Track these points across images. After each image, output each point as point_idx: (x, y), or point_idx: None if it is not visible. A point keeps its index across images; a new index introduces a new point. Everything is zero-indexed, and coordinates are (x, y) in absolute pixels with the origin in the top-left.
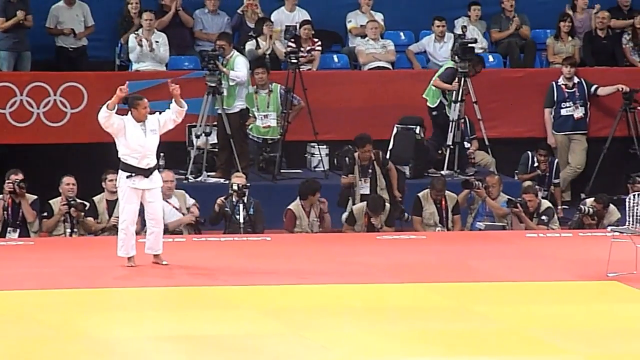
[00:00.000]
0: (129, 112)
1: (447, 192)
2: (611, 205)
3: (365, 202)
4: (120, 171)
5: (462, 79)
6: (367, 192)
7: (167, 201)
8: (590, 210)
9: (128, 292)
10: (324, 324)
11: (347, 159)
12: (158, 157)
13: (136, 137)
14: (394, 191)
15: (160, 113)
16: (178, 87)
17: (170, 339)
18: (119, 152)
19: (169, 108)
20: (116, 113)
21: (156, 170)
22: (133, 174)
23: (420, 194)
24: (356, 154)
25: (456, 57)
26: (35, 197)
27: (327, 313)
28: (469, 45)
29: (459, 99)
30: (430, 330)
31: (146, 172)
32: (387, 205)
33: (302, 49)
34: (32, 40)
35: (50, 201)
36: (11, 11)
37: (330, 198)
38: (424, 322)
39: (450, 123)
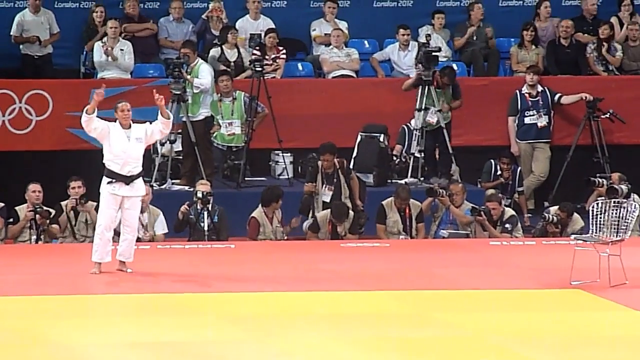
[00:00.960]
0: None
1: (411, 200)
2: (575, 214)
3: (329, 210)
4: (103, 176)
5: (426, 87)
6: (329, 200)
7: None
8: (554, 218)
9: (93, 299)
10: (286, 331)
11: (310, 167)
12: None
13: (119, 144)
14: (356, 200)
15: (151, 123)
16: (162, 98)
17: (134, 345)
18: (103, 157)
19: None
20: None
21: (139, 179)
22: (114, 180)
23: (384, 202)
24: (320, 162)
25: (420, 66)
26: (2, 204)
27: (289, 320)
28: (433, 53)
29: (422, 107)
30: (393, 337)
31: (127, 179)
32: (351, 212)
33: (267, 57)
34: None
35: (17, 208)
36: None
37: (295, 205)
38: (387, 329)
39: (414, 132)
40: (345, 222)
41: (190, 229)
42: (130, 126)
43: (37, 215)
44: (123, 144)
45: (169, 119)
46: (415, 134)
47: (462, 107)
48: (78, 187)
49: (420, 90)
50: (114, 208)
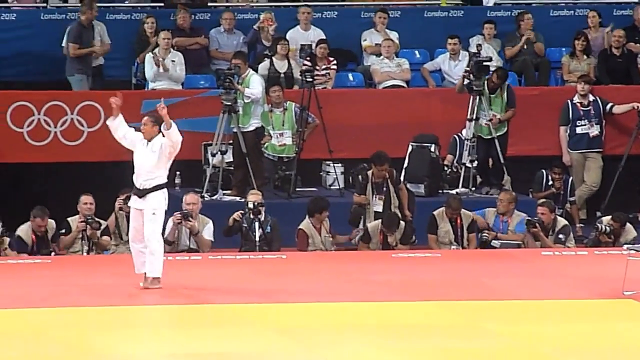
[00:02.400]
0: None
1: (462, 210)
2: (628, 224)
3: (380, 220)
4: None
5: (477, 97)
6: (381, 210)
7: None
8: (607, 228)
9: (142, 309)
10: (336, 341)
11: (359, 177)
12: (172, 177)
13: (138, 155)
14: (405, 210)
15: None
16: (165, 108)
17: (184, 356)
18: None
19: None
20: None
21: (152, 193)
22: (133, 193)
23: (435, 212)
24: (370, 172)
25: (471, 76)
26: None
27: (340, 331)
28: (484, 63)
29: (474, 117)
30: (444, 348)
31: (139, 192)
32: (402, 223)
33: (317, 67)
34: (46, 60)
35: (69, 219)
36: (86, 38)
37: (346, 216)
38: (438, 340)
39: (465, 141)
40: (396, 232)
41: (242, 239)
42: (151, 139)
43: (88, 227)
44: (140, 156)
45: (168, 129)
46: (467, 144)
47: (514, 118)
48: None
49: (471, 100)
50: (135, 220)
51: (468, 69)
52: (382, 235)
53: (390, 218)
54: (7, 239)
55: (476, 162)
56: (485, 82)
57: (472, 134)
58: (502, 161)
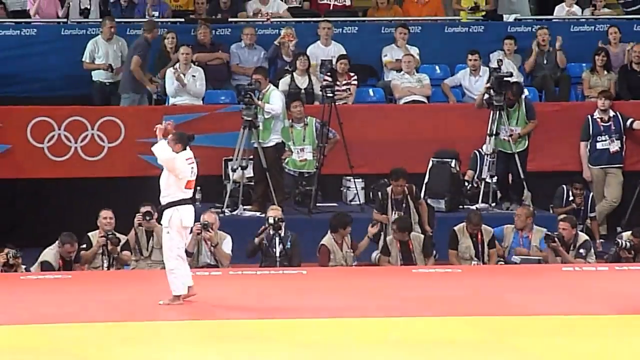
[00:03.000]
0: None
1: (483, 225)
2: None
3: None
4: None
5: (498, 112)
6: None
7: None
8: (628, 244)
9: (163, 325)
10: (359, 357)
11: (379, 194)
12: (193, 195)
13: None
14: (425, 225)
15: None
16: (170, 124)
17: None
18: None
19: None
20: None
21: (165, 210)
22: None
23: (456, 228)
24: (389, 188)
25: (491, 91)
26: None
27: (362, 347)
28: (505, 78)
29: (494, 132)
30: None
31: (159, 210)
32: (422, 235)
33: (338, 83)
34: (66, 74)
35: (89, 234)
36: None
37: (366, 231)
38: (460, 355)
39: (485, 157)
40: (409, 234)
41: (262, 255)
42: None
43: (108, 242)
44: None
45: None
46: (487, 159)
47: (534, 133)
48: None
49: (491, 115)
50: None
51: (489, 84)
52: (400, 244)
53: (402, 220)
54: (19, 260)
55: (496, 177)
56: (503, 102)
57: (492, 149)
58: (522, 176)
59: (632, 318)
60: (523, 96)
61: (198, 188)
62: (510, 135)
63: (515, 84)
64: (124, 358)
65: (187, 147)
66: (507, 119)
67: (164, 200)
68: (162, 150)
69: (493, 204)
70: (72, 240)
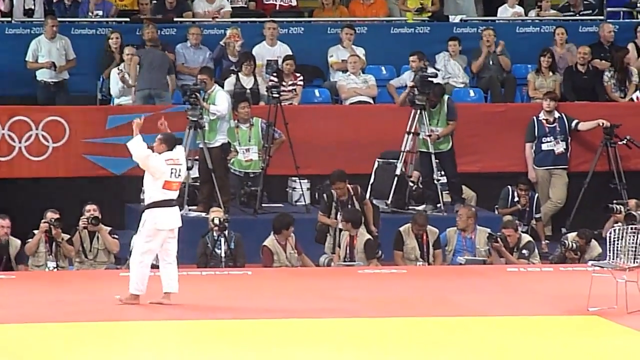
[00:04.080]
0: None
1: (428, 226)
2: (593, 240)
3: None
4: None
5: (419, 111)
6: None
7: None
8: (574, 245)
9: (104, 326)
10: (303, 358)
11: (325, 195)
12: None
13: None
14: (370, 226)
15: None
16: (139, 122)
17: None
18: None
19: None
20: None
21: (144, 211)
22: None
23: (401, 229)
24: (333, 191)
25: (415, 90)
26: None
27: (306, 347)
28: (429, 78)
29: (412, 131)
30: None
31: None
32: (366, 235)
33: (284, 83)
34: (10, 74)
35: (35, 231)
36: None
37: (312, 232)
38: (404, 356)
39: (400, 154)
40: (359, 228)
41: (207, 256)
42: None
43: (52, 228)
44: None
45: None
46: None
47: (479, 134)
48: (93, 210)
49: (412, 114)
50: None
51: (412, 83)
52: (348, 241)
53: (352, 212)
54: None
55: (420, 177)
56: (426, 102)
57: (410, 148)
58: (435, 178)
59: (577, 319)
60: (446, 97)
61: (143, 189)
62: (429, 136)
63: (437, 85)
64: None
65: (176, 149)
66: (428, 119)
67: (145, 200)
68: (136, 147)
69: (438, 205)
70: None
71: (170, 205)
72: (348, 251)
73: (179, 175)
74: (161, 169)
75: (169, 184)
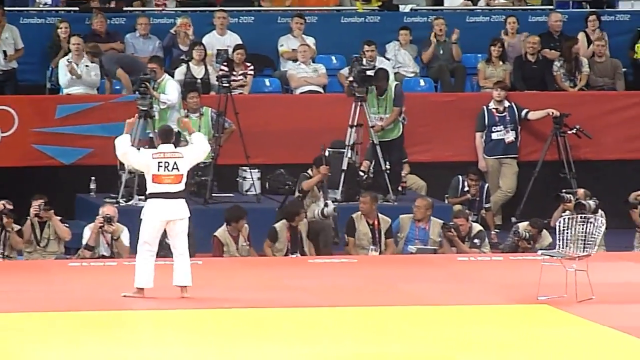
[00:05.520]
0: None
1: (380, 215)
2: (544, 230)
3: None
4: None
5: (359, 104)
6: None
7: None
8: (527, 234)
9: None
10: (248, 347)
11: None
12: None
13: None
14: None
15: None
16: (130, 122)
17: None
18: None
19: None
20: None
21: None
22: None
23: (353, 215)
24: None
25: (354, 84)
26: None
27: (253, 336)
28: (367, 72)
29: (355, 123)
30: (359, 354)
31: None
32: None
33: (234, 72)
34: None
35: None
36: None
37: (263, 222)
38: (353, 345)
39: (346, 148)
40: (300, 221)
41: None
42: None
43: (4, 217)
44: None
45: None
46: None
47: (430, 123)
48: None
49: (353, 107)
50: None
51: (351, 78)
52: (290, 233)
53: (291, 203)
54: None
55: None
56: (370, 88)
57: (353, 140)
58: (383, 168)
59: (527, 307)
60: (393, 84)
61: (92, 178)
62: (372, 127)
63: (380, 70)
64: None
65: (170, 142)
66: (377, 107)
67: None
68: (118, 144)
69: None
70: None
71: (164, 197)
72: (290, 245)
73: (174, 168)
74: (142, 164)
75: (157, 178)
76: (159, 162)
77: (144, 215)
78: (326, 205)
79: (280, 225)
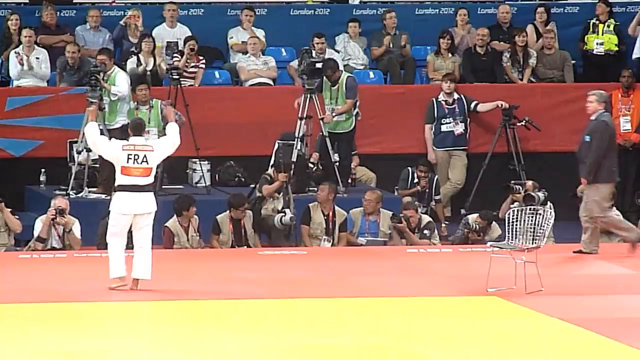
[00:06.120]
0: None
1: (337, 208)
2: (494, 222)
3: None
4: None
5: (310, 96)
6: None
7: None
8: (477, 226)
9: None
10: (202, 339)
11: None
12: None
13: None
14: None
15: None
16: (91, 109)
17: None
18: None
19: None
20: None
21: None
22: None
23: (310, 205)
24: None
25: (304, 76)
26: None
27: (203, 328)
28: (317, 65)
29: (305, 116)
30: (310, 345)
31: None
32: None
33: (186, 65)
34: None
35: None
36: None
37: (212, 214)
38: (304, 337)
39: (295, 140)
40: (243, 214)
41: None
42: None
43: None
44: None
45: None
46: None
47: (379, 115)
48: None
49: (303, 99)
50: None
51: (302, 69)
52: (233, 224)
53: (234, 195)
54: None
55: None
56: (323, 78)
57: (302, 132)
58: (332, 160)
59: (476, 299)
60: (345, 75)
61: (43, 170)
62: (322, 119)
63: (329, 60)
64: None
65: (141, 135)
66: (330, 98)
67: None
68: (88, 133)
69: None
70: None
71: (132, 190)
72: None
73: (143, 161)
74: (111, 155)
75: (126, 170)
76: (128, 154)
77: (112, 207)
78: (284, 213)
79: (222, 217)
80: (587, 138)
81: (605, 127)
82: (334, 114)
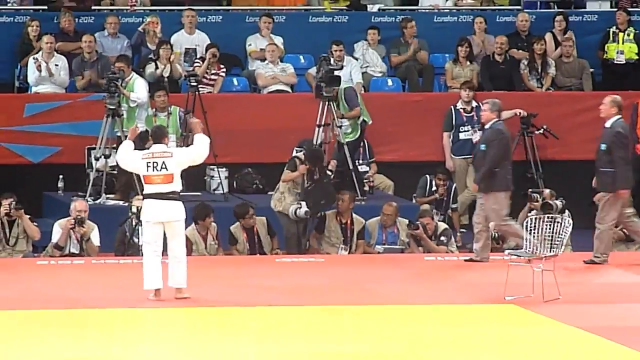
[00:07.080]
0: None
1: (355, 215)
2: None
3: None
4: None
5: (327, 103)
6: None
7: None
8: (496, 234)
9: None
10: (220, 346)
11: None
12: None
13: None
14: None
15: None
16: (133, 128)
17: None
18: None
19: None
20: None
21: None
22: None
23: (328, 212)
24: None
25: (322, 84)
26: None
27: (223, 335)
28: (335, 72)
29: (322, 123)
30: (327, 352)
31: None
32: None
33: (207, 72)
34: None
35: None
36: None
37: (230, 221)
38: (321, 344)
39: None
40: (250, 221)
41: (125, 245)
42: None
43: None
44: None
45: None
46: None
47: (397, 123)
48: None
49: (320, 107)
50: None
51: (320, 76)
52: (246, 234)
53: (239, 205)
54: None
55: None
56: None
57: (321, 139)
58: (350, 167)
59: (494, 307)
60: (343, 86)
61: (61, 177)
62: (340, 127)
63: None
64: None
65: (162, 142)
66: (334, 112)
67: None
68: (122, 149)
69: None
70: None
71: (156, 197)
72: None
73: (162, 168)
74: (131, 166)
75: (148, 178)
76: (147, 162)
77: (142, 216)
78: (300, 205)
79: (235, 228)
80: (483, 147)
81: (500, 136)
82: (338, 124)
